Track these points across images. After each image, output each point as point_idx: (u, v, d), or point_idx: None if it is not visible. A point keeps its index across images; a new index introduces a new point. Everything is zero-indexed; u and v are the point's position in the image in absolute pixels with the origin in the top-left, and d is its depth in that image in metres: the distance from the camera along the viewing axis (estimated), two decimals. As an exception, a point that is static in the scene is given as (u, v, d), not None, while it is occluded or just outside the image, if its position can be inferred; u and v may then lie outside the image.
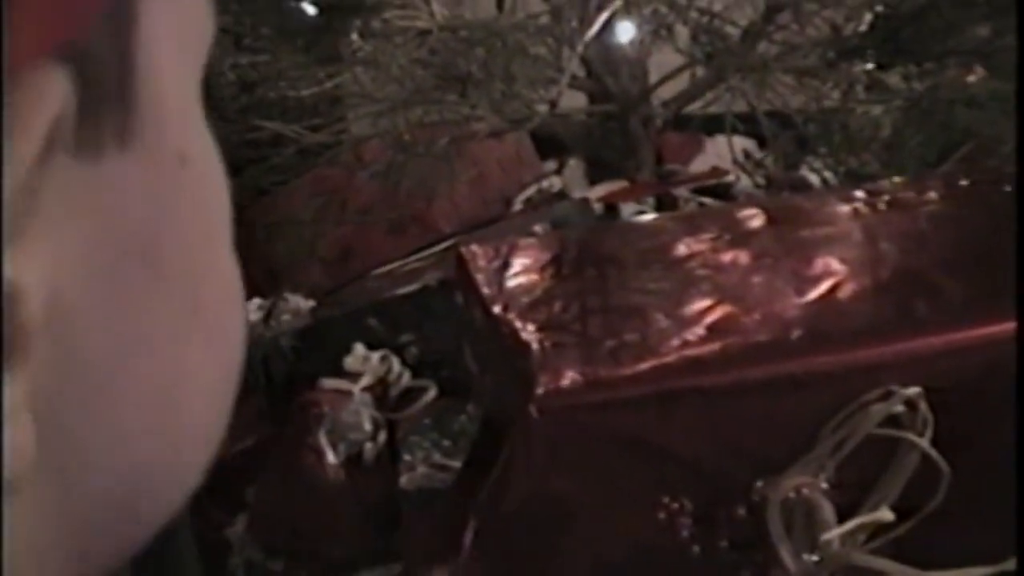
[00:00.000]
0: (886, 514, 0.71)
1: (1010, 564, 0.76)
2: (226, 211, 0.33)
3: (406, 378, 1.10)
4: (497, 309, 0.78)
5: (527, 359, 0.72)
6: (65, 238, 0.26)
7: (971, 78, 1.42)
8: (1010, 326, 0.73)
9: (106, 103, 0.26)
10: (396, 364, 1.10)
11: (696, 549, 0.71)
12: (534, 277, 0.82)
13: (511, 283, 0.82)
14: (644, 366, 0.70)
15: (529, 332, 0.75)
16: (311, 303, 1.28)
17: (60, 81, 0.24)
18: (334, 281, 1.43)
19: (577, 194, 1.50)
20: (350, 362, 1.09)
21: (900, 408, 0.71)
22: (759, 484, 0.71)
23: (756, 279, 0.81)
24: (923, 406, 0.71)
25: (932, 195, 0.92)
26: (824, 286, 0.79)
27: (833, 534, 0.70)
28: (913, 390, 0.71)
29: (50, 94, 0.24)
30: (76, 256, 0.26)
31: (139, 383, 0.29)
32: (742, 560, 0.73)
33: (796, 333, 0.73)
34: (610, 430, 0.69)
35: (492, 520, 0.69)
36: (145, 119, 0.28)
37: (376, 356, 1.09)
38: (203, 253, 0.31)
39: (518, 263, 0.84)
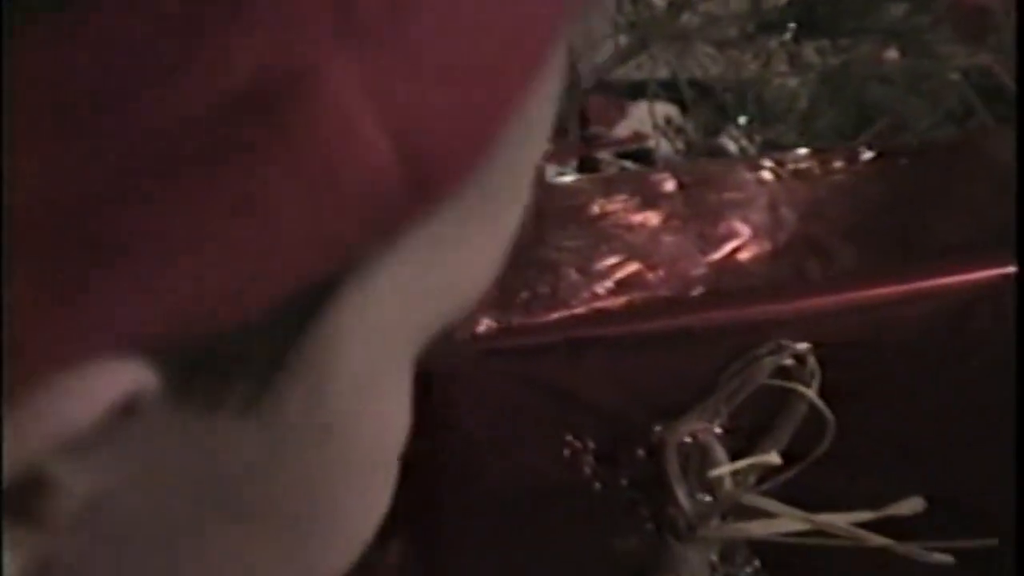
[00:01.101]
0: (773, 457, 0.76)
1: (894, 509, 0.82)
2: (386, 469, 0.32)
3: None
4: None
5: (447, 307, 0.76)
6: (134, 462, 0.25)
7: (885, 55, 1.47)
8: (894, 289, 0.79)
9: (239, 375, 0.25)
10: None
11: (597, 486, 0.76)
12: (456, 231, 0.87)
13: (435, 237, 0.86)
14: (554, 316, 0.75)
15: (449, 283, 0.79)
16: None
17: (122, 373, 0.23)
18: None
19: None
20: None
21: (790, 361, 0.76)
22: (657, 428, 0.76)
23: (664, 239, 0.86)
24: (811, 360, 0.76)
25: (835, 166, 0.98)
26: (727, 247, 0.84)
27: (722, 470, 0.75)
28: (802, 345, 0.76)
29: (103, 384, 0.23)
30: (145, 479, 0.26)
31: None
32: (641, 498, 0.77)
33: (697, 290, 0.79)
34: (521, 374, 0.74)
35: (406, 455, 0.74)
36: (286, 393, 0.26)
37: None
38: (322, 514, 0.30)
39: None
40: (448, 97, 0.24)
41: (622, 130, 1.69)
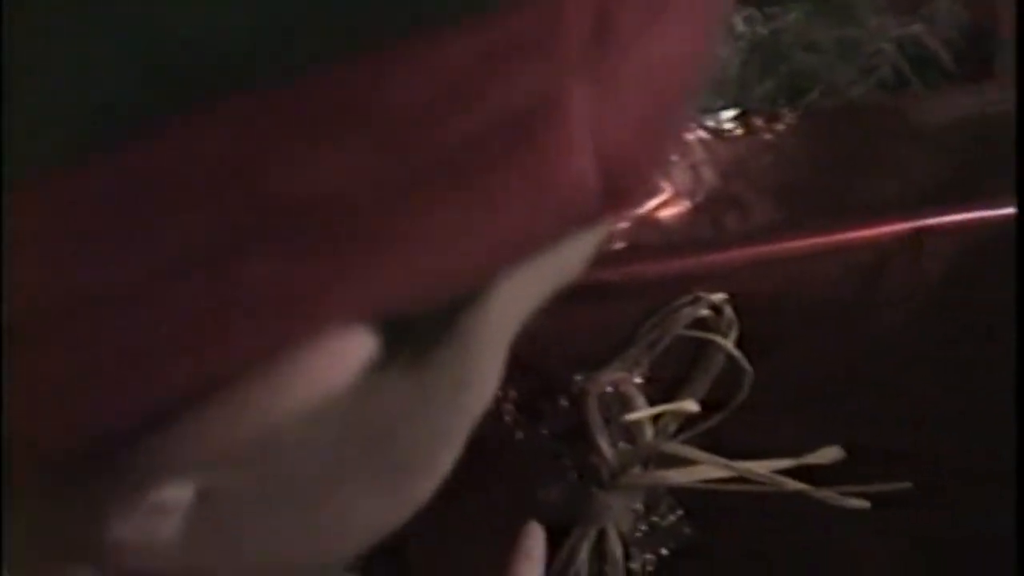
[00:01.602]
0: (690, 405, 0.78)
1: (813, 457, 0.84)
2: (468, 427, 0.36)
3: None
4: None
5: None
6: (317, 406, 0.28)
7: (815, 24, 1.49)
8: (809, 243, 0.81)
9: (413, 337, 0.29)
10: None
11: (520, 435, 0.77)
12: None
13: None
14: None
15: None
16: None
17: (364, 341, 0.27)
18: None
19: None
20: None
21: (707, 312, 0.78)
22: (578, 378, 0.77)
23: (589, 198, 0.88)
24: (728, 311, 0.78)
25: (758, 127, 1.00)
26: (648, 204, 0.86)
27: (639, 415, 0.77)
28: (719, 296, 0.78)
29: (351, 351, 0.27)
30: (315, 419, 0.28)
31: (319, 513, 0.34)
32: (563, 447, 0.79)
33: (618, 244, 0.80)
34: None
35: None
36: (441, 354, 0.30)
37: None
38: (437, 458, 0.35)
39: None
40: (640, 124, 0.29)
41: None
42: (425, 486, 0.36)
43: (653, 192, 0.25)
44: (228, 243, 0.24)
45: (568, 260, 0.34)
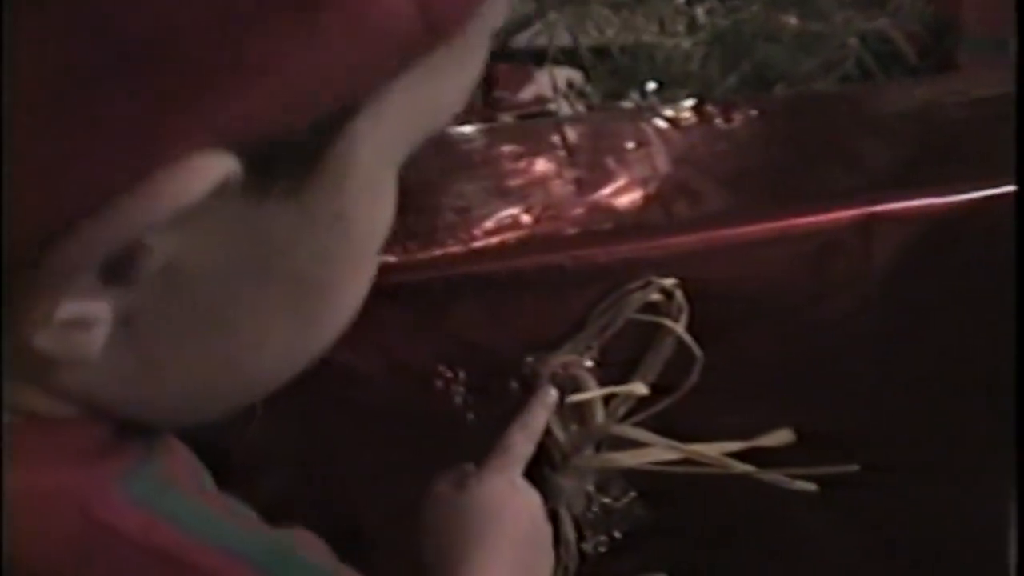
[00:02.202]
0: (639, 387, 0.79)
1: (764, 440, 0.85)
2: (371, 259, 0.41)
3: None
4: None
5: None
6: (203, 234, 0.34)
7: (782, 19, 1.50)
8: (758, 228, 0.82)
9: (284, 171, 0.35)
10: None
11: (471, 416, 0.78)
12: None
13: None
14: (429, 255, 0.77)
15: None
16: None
17: (220, 162, 0.32)
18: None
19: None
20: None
21: (658, 297, 0.79)
22: (529, 360, 0.78)
23: (544, 184, 0.89)
24: (678, 295, 0.79)
25: (714, 116, 1.01)
26: (603, 191, 0.87)
27: (587, 395, 0.77)
28: (669, 281, 0.79)
29: (207, 170, 0.32)
30: (209, 247, 0.35)
31: (236, 340, 0.39)
32: (515, 429, 0.80)
33: (571, 230, 0.81)
34: (396, 310, 0.76)
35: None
36: (315, 185, 0.36)
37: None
38: (328, 287, 0.40)
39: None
40: None
41: (526, 95, 1.71)
42: (330, 317, 0.41)
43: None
44: (85, 79, 0.30)
45: (435, 99, 0.38)
